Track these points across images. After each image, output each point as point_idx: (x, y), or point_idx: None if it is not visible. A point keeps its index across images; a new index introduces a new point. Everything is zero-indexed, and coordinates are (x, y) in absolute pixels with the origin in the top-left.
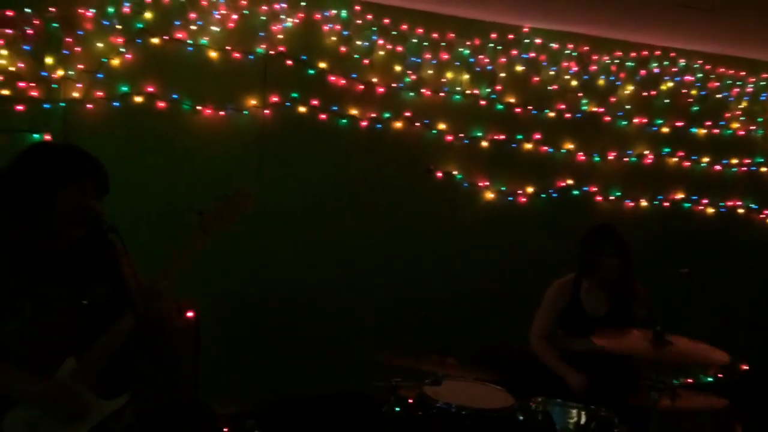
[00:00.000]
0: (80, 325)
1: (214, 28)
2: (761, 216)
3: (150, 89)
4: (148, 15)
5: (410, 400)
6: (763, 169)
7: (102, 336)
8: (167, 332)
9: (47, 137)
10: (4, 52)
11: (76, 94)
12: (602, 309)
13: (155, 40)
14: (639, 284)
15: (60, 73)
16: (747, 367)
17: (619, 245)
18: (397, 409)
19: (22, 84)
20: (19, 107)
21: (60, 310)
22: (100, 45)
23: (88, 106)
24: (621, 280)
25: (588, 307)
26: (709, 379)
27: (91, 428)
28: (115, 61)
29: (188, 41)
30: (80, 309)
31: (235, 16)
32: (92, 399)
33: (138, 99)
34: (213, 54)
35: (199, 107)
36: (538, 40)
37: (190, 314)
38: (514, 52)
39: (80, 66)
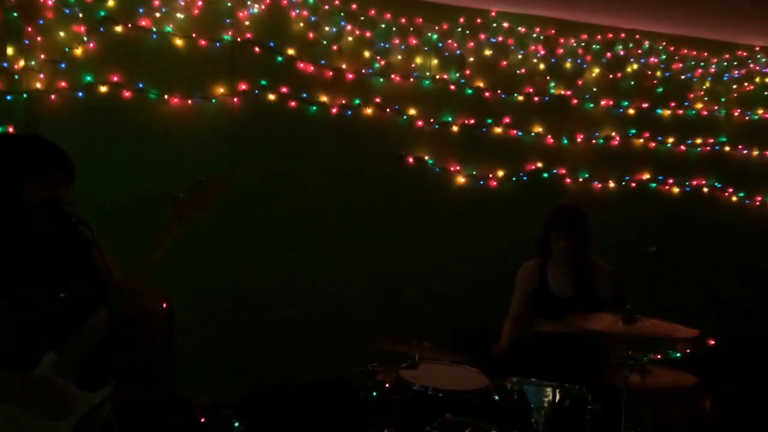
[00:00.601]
0: (59, 320)
1: (178, 15)
2: (725, 194)
3: (115, 79)
4: (110, 2)
5: (387, 385)
6: (727, 149)
7: (80, 330)
8: (147, 324)
9: (10, 129)
10: None
11: (38, 85)
12: (568, 289)
13: (119, 29)
14: (601, 261)
15: (21, 63)
16: (714, 342)
17: (567, 227)
18: (375, 393)
19: None
20: None
21: (37, 307)
22: (62, 34)
23: (51, 96)
24: (578, 260)
25: (554, 289)
26: (677, 355)
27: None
28: (78, 51)
29: (153, 29)
30: (58, 304)
31: (200, 3)
32: (75, 392)
33: (103, 89)
34: (179, 42)
35: (166, 96)
36: (505, 24)
37: (163, 305)
38: (482, 36)
39: (42, 56)
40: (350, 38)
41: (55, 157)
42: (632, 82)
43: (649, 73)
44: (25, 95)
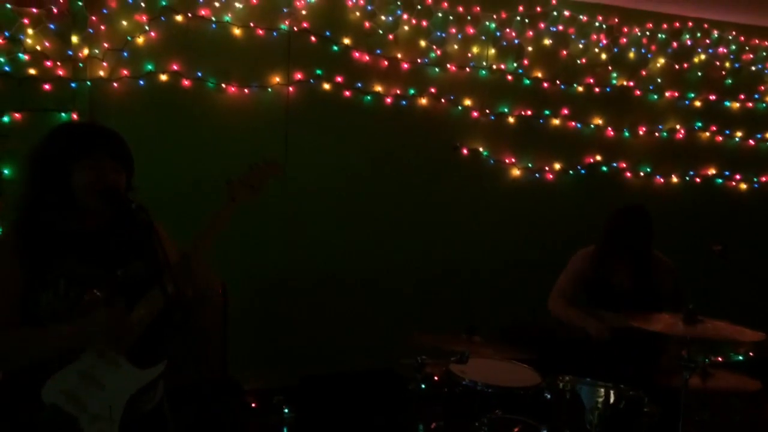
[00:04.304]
0: (114, 301)
1: (237, 4)
2: None
3: (175, 67)
4: None
5: (436, 378)
6: None
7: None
8: (202, 307)
9: (74, 116)
10: (31, 31)
11: (101, 73)
12: (628, 282)
13: (179, 18)
14: (664, 257)
15: (86, 51)
16: None
17: (645, 232)
18: (423, 386)
19: (48, 63)
20: (47, 86)
21: (93, 286)
22: (124, 23)
23: (113, 84)
24: (642, 255)
25: (614, 280)
26: (740, 358)
27: (129, 397)
28: (140, 40)
29: (212, 18)
30: (114, 285)
31: None
32: (129, 365)
33: (163, 77)
34: (237, 31)
35: (223, 85)
36: (566, 13)
37: (219, 290)
38: (542, 25)
39: (105, 44)
40: (406, 27)
41: (100, 139)
42: (699, 74)
43: (718, 63)
44: (89, 83)
